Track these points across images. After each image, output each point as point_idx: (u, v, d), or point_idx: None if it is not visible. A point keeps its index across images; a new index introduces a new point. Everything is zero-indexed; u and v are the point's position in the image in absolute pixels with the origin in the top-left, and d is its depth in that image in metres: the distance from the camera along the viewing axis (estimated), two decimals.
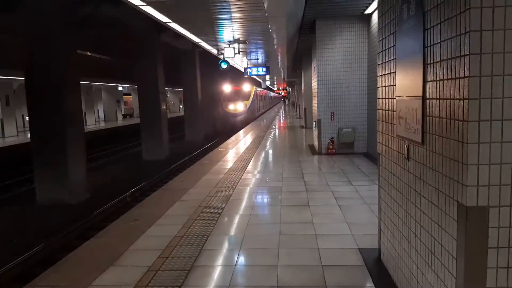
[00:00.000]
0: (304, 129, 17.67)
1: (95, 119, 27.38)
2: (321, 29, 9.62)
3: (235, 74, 25.87)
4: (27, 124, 19.42)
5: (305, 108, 18.45)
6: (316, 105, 10.28)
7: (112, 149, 19.76)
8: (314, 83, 10.58)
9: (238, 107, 25.99)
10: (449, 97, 1.95)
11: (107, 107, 30.64)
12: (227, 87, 26.44)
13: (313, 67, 11.06)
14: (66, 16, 9.74)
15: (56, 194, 9.78)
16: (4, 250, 6.95)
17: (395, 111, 2.92)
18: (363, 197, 5.78)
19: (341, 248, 3.93)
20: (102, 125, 26.03)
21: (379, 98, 3.38)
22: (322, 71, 9.74)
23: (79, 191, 10.12)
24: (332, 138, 9.79)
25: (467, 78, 1.77)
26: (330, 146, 9.79)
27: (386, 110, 3.19)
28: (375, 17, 8.65)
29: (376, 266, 3.53)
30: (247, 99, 26.37)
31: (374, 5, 8.25)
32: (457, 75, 1.86)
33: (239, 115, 25.74)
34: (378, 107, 3.43)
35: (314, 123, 10.91)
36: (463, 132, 1.81)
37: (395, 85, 2.90)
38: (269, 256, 3.78)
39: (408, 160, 2.66)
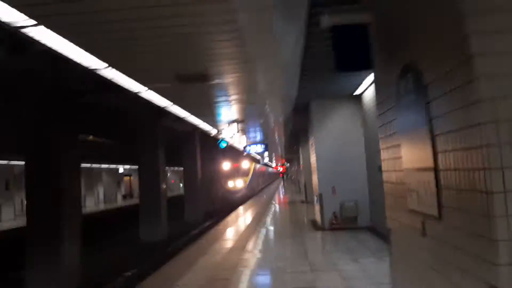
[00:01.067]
0: (305, 204, 17.35)
1: (94, 201, 27.05)
2: (316, 109, 9.89)
3: (234, 153, 26.10)
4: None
5: (305, 183, 18.32)
6: (316, 179, 10.18)
7: (109, 230, 19.16)
8: (313, 159, 10.60)
9: (237, 184, 26.06)
10: (466, 168, 1.83)
11: (107, 188, 30.48)
12: (226, 165, 26.52)
13: (310, 143, 11.18)
14: (68, 104, 9.99)
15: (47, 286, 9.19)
16: None
17: (404, 184, 2.80)
18: (371, 277, 5.41)
19: None
20: (101, 206, 25.66)
21: (385, 171, 3.29)
22: (320, 147, 9.81)
23: (71, 282, 9.52)
24: (334, 212, 9.53)
25: (485, 147, 1.67)
26: (334, 222, 9.48)
27: (394, 183, 3.07)
28: (366, 95, 8.93)
29: None
30: (246, 175, 26.50)
31: (363, 86, 8.56)
32: (473, 145, 1.76)
33: (238, 192, 25.63)
34: (384, 180, 3.32)
35: (315, 197, 10.71)
36: (487, 204, 1.67)
37: (401, 157, 2.82)
38: None
39: (424, 236, 2.47)
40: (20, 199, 22.05)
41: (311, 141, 10.79)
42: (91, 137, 18.49)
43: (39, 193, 9.71)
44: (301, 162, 20.01)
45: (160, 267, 8.51)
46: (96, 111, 13.35)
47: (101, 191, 30.18)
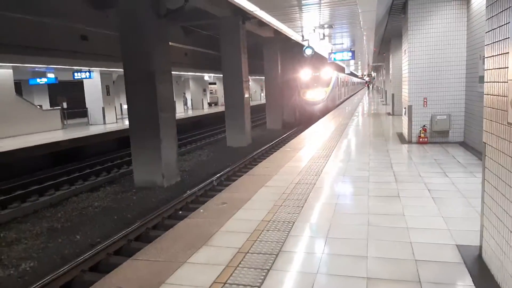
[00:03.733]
0: (391, 116, 16.81)
1: (183, 108, 29.01)
2: (414, 9, 8.97)
3: (318, 61, 25.03)
4: (124, 112, 21.35)
5: (392, 94, 17.51)
6: (406, 90, 9.69)
7: (200, 135, 20.81)
8: (405, 67, 9.96)
9: (317, 95, 23.48)
10: None
11: (194, 96, 32.23)
12: (304, 74, 24.16)
13: (403, 50, 10.41)
14: (157, 9, 10.35)
15: (151, 177, 10.61)
16: (108, 225, 7.77)
17: (507, 96, 2.62)
18: (460, 190, 5.35)
19: (436, 243, 3.69)
20: (190, 113, 27.48)
21: (487, 82, 3.06)
22: (414, 54, 9.12)
23: (170, 175, 10.84)
24: (424, 126, 9.18)
25: None
26: (422, 135, 9.18)
27: (496, 95, 2.88)
28: None
29: (476, 264, 3.26)
30: (327, 86, 23.90)
31: None
32: None
33: (318, 103, 23.28)
34: (485, 92, 3.11)
35: (404, 109, 10.31)
36: None
37: (507, 67, 2.60)
38: (357, 246, 3.69)
39: None
40: (119, 103, 24.54)
41: (404, 47, 10.03)
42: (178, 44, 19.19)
43: (137, 97, 10.72)
44: (390, 71, 18.89)
45: (247, 170, 9.24)
46: (184, 16, 13.66)
47: (188, 98, 32.03)
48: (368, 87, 70.42)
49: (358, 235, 3.97)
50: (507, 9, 2.61)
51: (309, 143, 10.18)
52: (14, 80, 16.21)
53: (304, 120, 23.13)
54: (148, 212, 8.07)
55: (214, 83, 38.52)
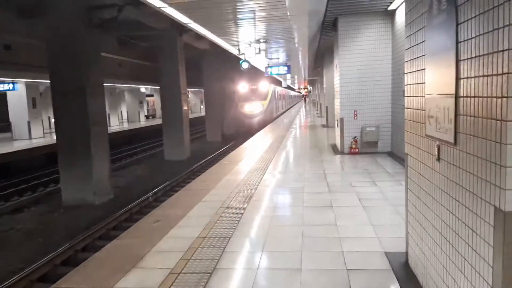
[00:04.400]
0: (326, 128, 17.46)
1: (118, 120, 27.86)
2: (344, 26, 9.45)
3: (255, 75, 25.31)
4: (53, 126, 19.96)
5: (326, 107, 18.23)
6: (338, 103, 10.11)
7: (136, 149, 20.06)
8: (337, 81, 10.42)
9: (254, 108, 23.42)
10: (485, 95, 1.83)
11: (130, 108, 31.14)
12: (242, 87, 24.08)
13: (335, 65, 10.89)
14: (89, 19, 9.91)
15: (81, 194, 9.96)
16: (32, 249, 7.12)
17: (424, 110, 2.79)
18: (388, 199, 5.62)
19: (366, 251, 3.81)
20: (125, 126, 26.45)
21: (407, 96, 3.25)
22: (344, 68, 9.56)
23: (102, 192, 10.27)
24: (355, 137, 9.61)
25: (506, 74, 1.64)
26: (353, 146, 9.61)
27: (415, 109, 3.06)
28: (399, 12, 8.43)
29: (403, 270, 3.40)
30: (264, 99, 23.98)
31: (399, 0, 8.03)
32: (494, 72, 1.74)
33: (255, 116, 23.23)
34: (405, 106, 3.29)
35: (336, 122, 10.74)
36: (501, 132, 1.69)
37: (424, 82, 2.78)
38: (292, 259, 3.70)
39: (439, 161, 2.52)
40: (47, 116, 22.96)
41: (336, 62, 10.50)
42: (112, 55, 18.48)
43: (66, 111, 10.09)
44: (324, 85, 19.69)
45: (185, 184, 9.01)
46: (118, 27, 13.22)
47: (124, 110, 30.88)
48: (305, 100, 72.89)
49: (293, 247, 3.99)
50: (423, 28, 2.79)
51: (248, 156, 10.21)
52: None
53: (243, 132, 22.98)
54: (77, 233, 7.53)
55: (152, 95, 37.57)
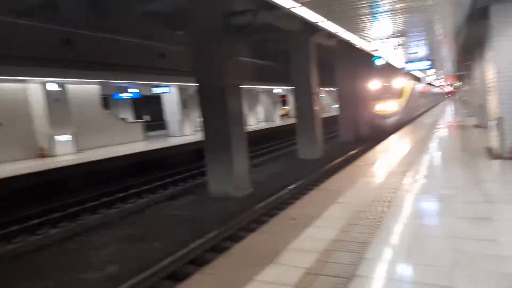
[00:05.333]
0: (478, 129, 15.35)
1: (255, 120, 29.48)
2: (498, 14, 8.09)
3: (390, 71, 23.46)
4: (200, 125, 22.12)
5: (479, 105, 16.01)
6: (495, 101, 8.74)
7: (272, 147, 20.88)
8: (491, 76, 9.01)
9: (388, 107, 21.20)
10: None
11: (266, 108, 32.65)
12: (374, 84, 21.90)
13: (488, 58, 9.44)
14: (227, 26, 10.63)
15: (224, 187, 10.79)
16: (184, 234, 7.97)
17: None
18: None
19: None
20: (261, 125, 27.80)
21: None
22: (502, 61, 8.18)
23: (243, 186, 10.93)
24: None
25: None
26: None
27: None
28: None
29: None
30: (400, 97, 21.48)
31: None
32: None
33: (390, 116, 20.99)
34: None
35: (493, 121, 9.30)
36: None
37: None
38: (441, 275, 3.29)
39: None
40: (195, 116, 25.62)
41: (489, 54, 9.09)
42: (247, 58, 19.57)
43: (209, 111, 11.04)
44: (475, 80, 17.36)
45: (319, 183, 8.96)
46: (253, 31, 13.97)
47: (260, 111, 32.49)
48: (452, 98, 65.76)
49: (443, 261, 3.55)
50: None
51: (386, 158, 9.61)
52: (101, 95, 17.72)
53: (377, 134, 20.93)
54: (221, 223, 8.15)
55: (285, 95, 38.69)
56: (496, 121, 8.80)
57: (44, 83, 13.75)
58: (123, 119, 21.41)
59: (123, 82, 18.79)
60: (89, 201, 10.90)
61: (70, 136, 14.76)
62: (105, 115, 17.67)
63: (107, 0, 11.82)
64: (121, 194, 11.40)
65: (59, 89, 14.19)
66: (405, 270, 3.47)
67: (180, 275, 5.80)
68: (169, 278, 5.84)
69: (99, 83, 16.89)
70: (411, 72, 20.14)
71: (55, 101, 14.22)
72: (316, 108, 16.44)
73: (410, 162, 8.74)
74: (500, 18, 8.12)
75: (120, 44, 13.57)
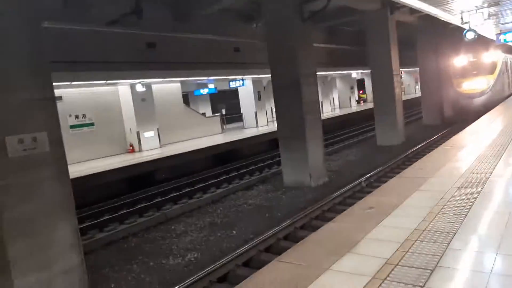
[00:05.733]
0: None
1: (330, 106, 28.88)
2: None
3: (479, 44, 20.61)
4: (274, 115, 22.31)
5: None
6: None
7: (347, 134, 20.38)
8: None
9: (476, 85, 18.36)
10: None
11: (341, 94, 31.81)
12: (459, 60, 19.13)
13: None
14: (301, 13, 10.49)
15: (299, 177, 10.81)
16: (260, 222, 8.19)
17: None
18: None
19: None
20: (337, 111, 27.18)
21: None
22: None
23: (318, 175, 10.86)
24: None
25: None
26: None
27: None
28: None
29: None
30: (491, 72, 18.44)
31: None
32: None
33: (478, 95, 18.23)
34: None
35: None
36: None
37: None
38: None
39: None
40: (270, 107, 25.88)
41: None
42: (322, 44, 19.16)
43: (284, 101, 11.08)
44: None
45: (399, 171, 8.58)
46: (326, 16, 13.71)
47: (336, 97, 31.74)
48: None
49: None
50: None
51: (474, 140, 8.85)
52: (182, 92, 18.74)
53: (464, 115, 18.70)
54: (296, 212, 8.22)
55: (362, 79, 37.25)
56: None
57: (132, 85, 14.95)
58: (202, 114, 22.43)
59: (201, 79, 19.66)
60: (172, 191, 11.64)
61: (155, 132, 15.88)
62: (186, 110, 18.67)
63: (185, 2, 12.45)
64: (201, 185, 12.00)
65: (144, 89, 15.31)
66: (496, 262, 3.20)
67: (255, 263, 5.99)
68: (245, 265, 6.05)
69: (180, 81, 17.87)
70: (507, 44, 17.70)
71: (141, 100, 15.38)
72: (396, 90, 15.61)
73: (503, 144, 7.93)
74: None
75: (198, 42, 14.25)
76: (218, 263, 5.86)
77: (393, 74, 15.34)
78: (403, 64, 17.86)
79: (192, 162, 13.89)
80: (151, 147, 15.54)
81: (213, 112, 28.72)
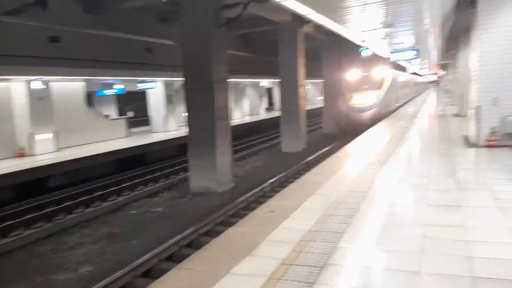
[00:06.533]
0: (458, 118, 15.66)
1: (241, 113, 29.45)
2: (484, 3, 8.27)
3: (371, 60, 22.16)
4: (185, 120, 21.98)
5: (460, 94, 16.33)
6: (476, 89, 8.94)
7: (255, 140, 20.94)
8: (475, 64, 9.21)
9: (366, 100, 18.89)
10: None
11: (251, 101, 32.64)
12: (351, 74, 19.69)
13: (473, 47, 9.64)
14: (217, 19, 10.58)
15: (206, 183, 10.81)
16: (163, 230, 8.00)
17: None
18: None
19: (500, 258, 3.30)
20: (247, 118, 27.80)
21: None
22: (485, 50, 8.38)
23: (225, 181, 10.98)
24: (493, 128, 8.39)
25: None
26: (491, 138, 8.40)
27: None
28: None
29: None
30: (379, 88, 19.27)
31: None
32: None
33: (367, 110, 18.67)
34: None
35: (472, 110, 9.53)
36: None
37: None
38: (410, 261, 3.42)
39: None
40: (180, 111, 25.48)
41: (474, 43, 9.29)
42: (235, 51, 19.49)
43: (195, 106, 11.02)
44: (458, 69, 17.61)
45: (300, 176, 9.05)
46: (241, 24, 13.99)
47: (246, 104, 32.48)
48: (435, 87, 66.65)
49: (412, 248, 3.69)
50: None
51: (365, 148, 9.78)
52: (86, 91, 17.49)
53: (355, 127, 18.89)
54: (200, 218, 8.21)
55: (271, 88, 38.71)
56: (474, 110, 9.02)
57: (28, 82, 13.52)
58: (106, 116, 21.19)
59: (108, 79, 18.59)
60: (66, 200, 10.66)
61: (51, 134, 14.56)
62: (88, 112, 17.47)
63: None
64: (99, 192, 11.31)
65: (43, 86, 13.97)
66: (376, 257, 3.58)
67: (156, 272, 5.84)
68: (145, 276, 5.87)
69: (85, 80, 16.68)
70: (396, 62, 19.66)
71: (38, 99, 13.99)
72: (301, 100, 16.52)
73: (389, 152, 8.91)
74: (486, 6, 8.28)
75: (107, 39, 13.46)
76: (113, 275, 5.57)
77: (299, 85, 16.24)
78: (309, 75, 18.97)
79: (92, 168, 13.01)
80: (46, 150, 14.17)
81: (120, 115, 27.34)
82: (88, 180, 12.55)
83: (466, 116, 14.61)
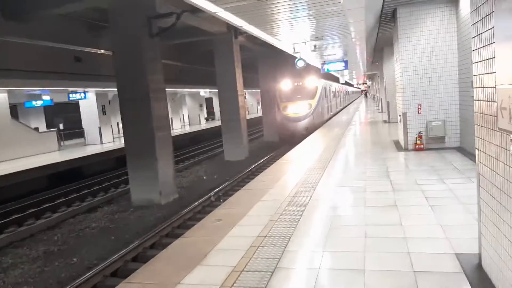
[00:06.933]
0: (387, 124, 16.81)
1: (180, 123, 29.04)
2: (404, 17, 9.03)
3: (303, 71, 22.68)
4: (121, 131, 21.16)
5: (387, 102, 17.55)
6: (400, 97, 9.69)
7: (197, 150, 20.76)
8: (398, 75, 9.99)
9: (299, 109, 18.93)
10: None
11: (191, 111, 32.32)
12: (284, 84, 19.87)
13: (395, 58, 10.45)
14: (149, 28, 10.41)
15: (148, 195, 10.50)
16: (105, 246, 7.64)
17: (496, 102, 2.59)
18: (458, 197, 5.28)
19: (435, 253, 3.61)
20: (187, 128, 27.46)
21: (476, 87, 3.03)
22: (406, 61, 9.14)
23: (168, 192, 10.74)
24: (419, 132, 9.14)
25: None
26: (418, 142, 9.15)
27: (485, 101, 2.84)
28: None
29: (476, 273, 3.18)
30: (312, 97, 19.49)
31: None
32: None
33: (301, 119, 18.82)
34: (475, 98, 3.07)
35: (398, 117, 10.30)
36: None
37: (494, 72, 2.58)
38: (355, 260, 3.61)
39: None
40: (116, 122, 24.51)
41: (396, 55, 10.08)
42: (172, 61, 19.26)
43: (132, 116, 10.70)
44: (384, 79, 18.96)
45: (245, 183, 9.14)
46: (176, 34, 13.84)
47: (185, 113, 32.13)
48: (365, 96, 70.83)
49: (355, 247, 3.89)
50: (491, 13, 2.60)
51: (305, 155, 10.13)
52: (9, 103, 16.21)
53: (292, 136, 19.29)
54: (145, 231, 7.96)
55: (211, 98, 38.67)
56: (400, 116, 9.76)
57: None
58: (35, 129, 19.76)
59: (34, 89, 17.38)
60: None
61: None
62: (14, 124, 16.18)
63: (19, 1, 10.85)
64: (32, 210, 10.52)
65: None
66: (323, 258, 3.73)
67: None
68: None
69: (7, 91, 15.45)
70: (329, 72, 20.65)
71: None
72: (241, 110, 16.71)
73: (327, 159, 9.31)
74: (406, 21, 9.01)
75: (31, 48, 12.61)
76: None
77: (238, 94, 16.43)
78: (247, 85, 19.28)
79: (19, 184, 12.06)
80: None
81: (48, 127, 25.63)
82: (18, 198, 11.61)
83: (394, 122, 15.77)
